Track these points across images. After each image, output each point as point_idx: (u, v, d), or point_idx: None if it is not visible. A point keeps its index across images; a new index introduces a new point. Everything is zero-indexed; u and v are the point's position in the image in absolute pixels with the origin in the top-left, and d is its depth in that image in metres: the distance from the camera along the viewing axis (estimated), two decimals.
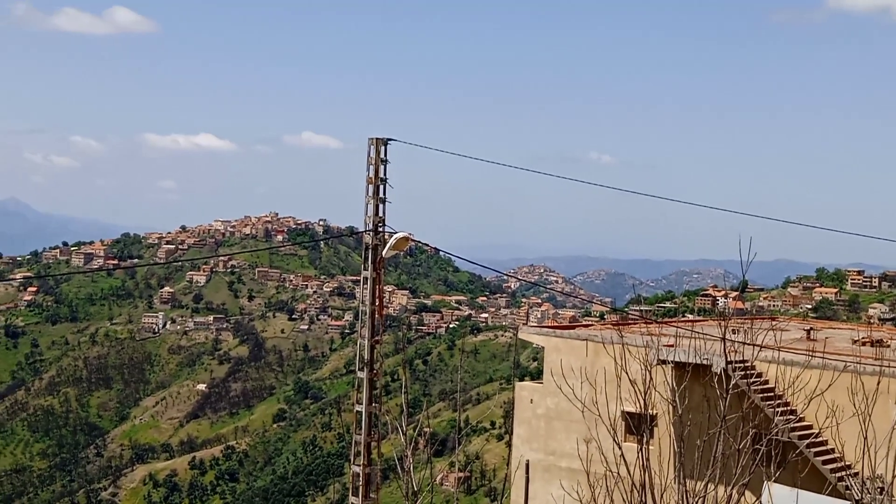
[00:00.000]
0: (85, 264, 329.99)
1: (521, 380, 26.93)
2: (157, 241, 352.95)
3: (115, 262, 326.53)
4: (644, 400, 12.29)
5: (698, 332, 19.91)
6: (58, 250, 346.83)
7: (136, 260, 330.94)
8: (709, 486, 11.69)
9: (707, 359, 20.02)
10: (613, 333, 22.69)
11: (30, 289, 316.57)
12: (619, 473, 11.89)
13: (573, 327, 30.34)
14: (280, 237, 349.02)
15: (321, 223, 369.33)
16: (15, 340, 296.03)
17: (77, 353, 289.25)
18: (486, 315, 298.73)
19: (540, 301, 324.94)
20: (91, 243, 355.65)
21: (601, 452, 12.55)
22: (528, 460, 26.35)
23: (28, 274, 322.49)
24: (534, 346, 28.28)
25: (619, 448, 12.21)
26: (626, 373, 12.63)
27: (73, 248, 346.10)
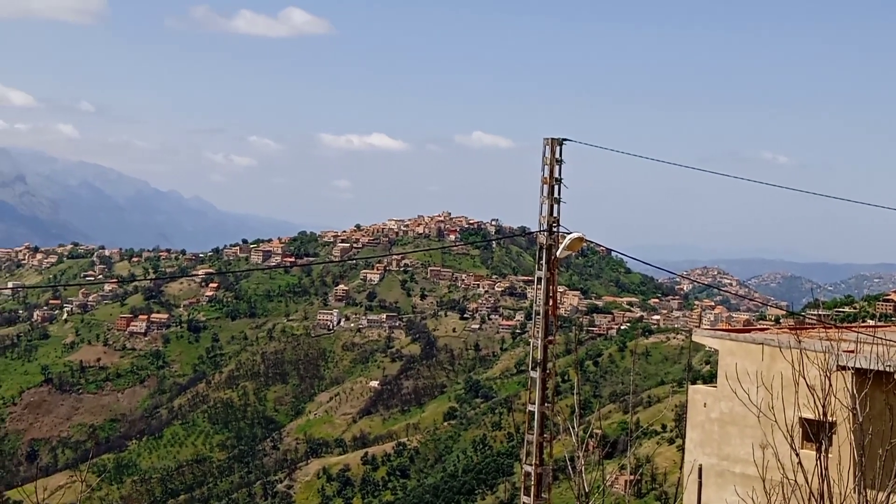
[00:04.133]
0: (263, 261, 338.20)
1: (694, 383, 26.50)
2: (332, 240, 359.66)
3: (292, 259, 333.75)
4: (823, 406, 12.04)
5: (880, 338, 19.37)
6: (237, 247, 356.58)
7: (312, 258, 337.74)
8: (891, 496, 11.40)
9: (890, 366, 19.46)
10: (791, 338, 22.24)
11: (211, 285, 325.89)
12: (796, 481, 11.68)
13: (748, 330, 29.76)
14: (452, 237, 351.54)
15: (493, 223, 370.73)
16: (197, 335, 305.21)
17: (255, 348, 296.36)
18: (657, 317, 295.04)
19: (713, 304, 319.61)
20: (269, 241, 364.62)
21: (777, 459, 12.34)
22: (700, 465, 25.93)
23: (209, 270, 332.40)
24: (707, 349, 27.75)
25: (797, 455, 11.99)
26: (804, 378, 12.39)
27: (252, 246, 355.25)
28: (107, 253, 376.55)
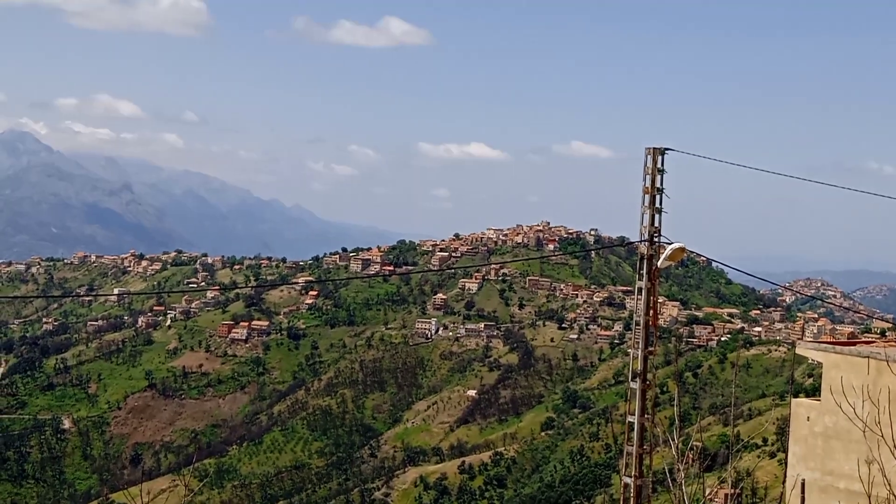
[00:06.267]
0: (362, 270, 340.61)
1: (797, 396, 26.07)
2: (431, 249, 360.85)
3: (391, 268, 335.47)
4: None
5: None
6: (337, 256, 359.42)
7: (410, 266, 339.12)
8: None
9: None
10: None
11: (311, 293, 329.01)
12: None
13: (853, 343, 29.21)
14: (551, 246, 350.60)
15: (592, 233, 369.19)
16: (297, 342, 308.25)
17: (353, 356, 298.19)
18: (759, 329, 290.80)
19: (816, 316, 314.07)
20: (368, 249, 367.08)
21: (883, 475, 12.13)
22: (803, 479, 25.50)
23: (310, 278, 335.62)
24: (810, 361, 27.36)
25: None
26: None
27: (351, 254, 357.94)
28: (209, 260, 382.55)
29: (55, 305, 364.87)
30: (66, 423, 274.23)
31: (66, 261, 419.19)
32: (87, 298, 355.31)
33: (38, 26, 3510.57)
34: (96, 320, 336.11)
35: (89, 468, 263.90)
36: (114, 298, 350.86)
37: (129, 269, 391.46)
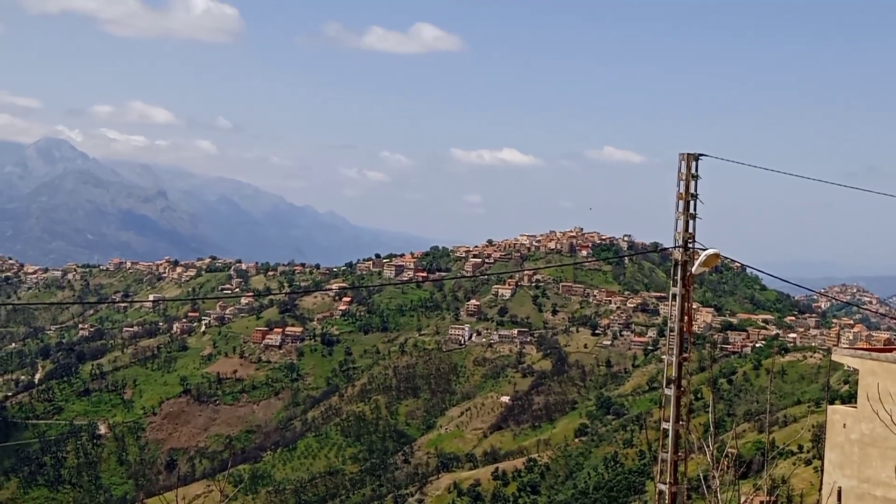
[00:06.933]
0: (395, 276, 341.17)
1: (833, 403, 25.91)
2: (464, 255, 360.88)
3: (424, 274, 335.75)
4: None
5: None
6: (370, 262, 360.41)
7: (444, 272, 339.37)
8: None
9: None
10: None
11: (344, 299, 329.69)
12: None
13: (890, 350, 29.03)
14: (584, 252, 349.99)
15: (626, 239, 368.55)
16: (330, 348, 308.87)
17: (387, 362, 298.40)
18: (794, 335, 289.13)
19: (852, 322, 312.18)
20: (401, 255, 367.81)
21: None
22: (840, 487, 25.38)
23: (343, 284, 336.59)
24: (846, 368, 27.19)
25: None
26: None
27: (384, 260, 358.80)
28: (243, 267, 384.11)
29: (91, 311, 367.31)
30: (102, 429, 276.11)
31: (101, 267, 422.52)
32: (123, 305, 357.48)
33: (72, 34, 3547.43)
34: (132, 326, 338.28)
35: (125, 473, 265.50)
36: (149, 305, 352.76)
37: (163, 275, 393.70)
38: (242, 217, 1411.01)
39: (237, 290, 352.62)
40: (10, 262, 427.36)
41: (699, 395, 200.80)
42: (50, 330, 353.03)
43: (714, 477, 13.70)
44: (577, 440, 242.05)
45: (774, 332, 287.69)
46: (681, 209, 24.80)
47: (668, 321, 25.30)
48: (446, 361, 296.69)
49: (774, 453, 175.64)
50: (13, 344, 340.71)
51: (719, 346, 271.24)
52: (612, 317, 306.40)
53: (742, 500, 16.30)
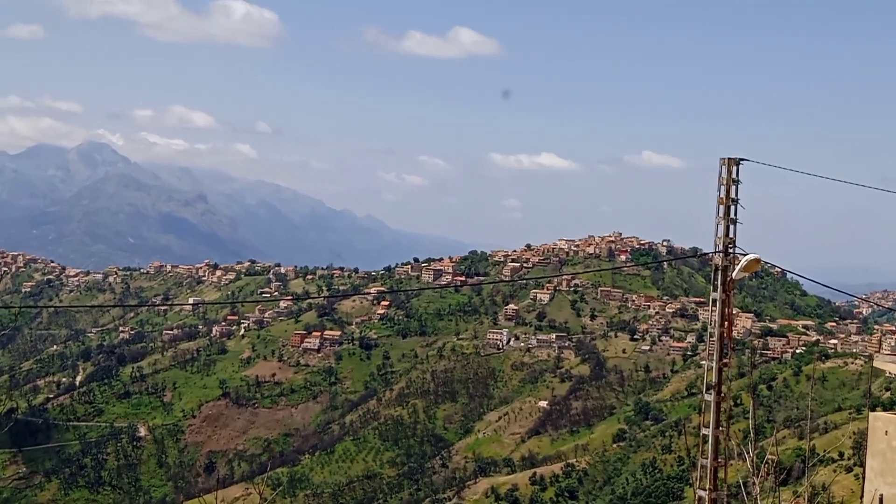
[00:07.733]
0: (434, 280, 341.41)
1: (874, 409, 25.73)
2: (502, 259, 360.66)
3: (463, 278, 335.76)
4: None
5: None
6: (409, 266, 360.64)
7: (482, 277, 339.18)
8: None
9: None
10: None
11: (382, 303, 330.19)
12: None
13: None
14: (623, 257, 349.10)
15: (664, 243, 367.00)
16: (368, 352, 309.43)
17: (425, 366, 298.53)
18: (835, 341, 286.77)
19: (894, 328, 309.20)
20: (440, 260, 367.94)
21: None
22: (881, 495, 25.17)
23: (381, 288, 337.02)
24: (888, 374, 27.00)
25: None
26: None
27: (423, 265, 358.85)
28: (282, 270, 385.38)
29: (131, 314, 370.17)
30: (142, 431, 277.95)
31: (142, 270, 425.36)
32: (163, 308, 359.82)
33: (113, 39, 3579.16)
34: (171, 329, 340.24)
35: (164, 475, 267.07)
36: (189, 308, 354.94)
37: (203, 278, 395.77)
38: (281, 221, 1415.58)
39: (276, 293, 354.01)
40: (53, 265, 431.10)
41: (739, 402, 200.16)
42: (91, 332, 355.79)
43: (754, 483, 13.63)
44: (615, 445, 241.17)
45: (815, 338, 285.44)
46: (721, 214, 24.70)
47: (708, 326, 25.20)
48: (484, 366, 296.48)
49: (815, 460, 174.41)
50: (55, 346, 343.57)
51: (759, 351, 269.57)
52: (650, 322, 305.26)
53: None
